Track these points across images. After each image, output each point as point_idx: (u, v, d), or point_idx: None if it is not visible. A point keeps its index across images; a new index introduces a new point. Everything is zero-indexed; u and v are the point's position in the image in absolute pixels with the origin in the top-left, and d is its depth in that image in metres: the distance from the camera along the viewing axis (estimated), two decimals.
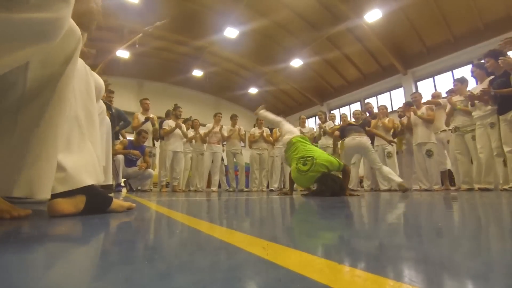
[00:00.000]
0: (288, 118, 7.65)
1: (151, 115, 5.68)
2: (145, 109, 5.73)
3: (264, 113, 4.77)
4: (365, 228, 0.81)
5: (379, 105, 6.20)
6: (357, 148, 4.14)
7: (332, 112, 11.19)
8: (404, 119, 5.20)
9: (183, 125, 5.92)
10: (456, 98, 4.34)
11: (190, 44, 11.16)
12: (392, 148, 5.02)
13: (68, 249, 0.53)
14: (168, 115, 6.22)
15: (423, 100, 5.08)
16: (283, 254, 0.43)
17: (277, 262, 0.38)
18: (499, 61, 3.34)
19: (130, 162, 5.00)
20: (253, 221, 1.00)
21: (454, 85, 4.44)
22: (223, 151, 6.50)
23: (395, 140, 5.26)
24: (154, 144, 5.93)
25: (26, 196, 0.72)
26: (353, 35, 10.07)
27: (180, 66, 12.82)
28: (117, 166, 4.62)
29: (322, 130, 6.17)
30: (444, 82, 9.65)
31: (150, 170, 5.32)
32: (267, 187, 6.55)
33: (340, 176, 2.99)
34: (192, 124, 6.44)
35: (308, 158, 2.95)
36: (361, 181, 6.45)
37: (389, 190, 4.73)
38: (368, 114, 5.90)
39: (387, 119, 5.22)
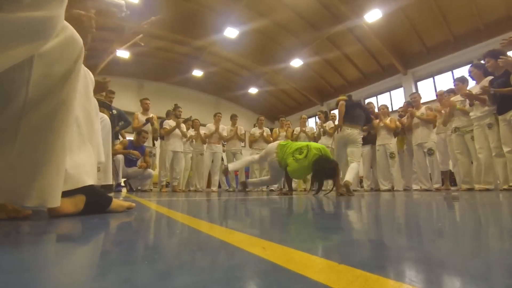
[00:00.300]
0: (288, 118, 7.65)
1: (151, 115, 5.68)
2: (145, 109, 5.73)
3: (235, 166, 4.73)
4: (365, 228, 0.81)
5: (379, 105, 6.20)
6: (345, 140, 4.05)
7: (332, 112, 11.19)
8: (404, 119, 5.20)
9: (183, 125, 5.92)
10: (456, 98, 4.34)
11: (190, 44, 11.17)
12: (394, 149, 5.01)
13: (68, 249, 0.53)
14: (168, 115, 6.22)
15: (421, 101, 5.10)
16: (283, 254, 0.43)
17: (277, 262, 0.38)
18: (499, 60, 3.34)
19: (130, 162, 5.00)
20: (253, 221, 1.00)
21: (454, 85, 4.44)
22: (223, 151, 6.50)
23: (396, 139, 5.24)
24: (154, 144, 5.93)
25: (38, 205, 0.73)
26: (353, 35, 10.07)
27: (180, 66, 12.82)
28: (117, 166, 4.62)
29: (322, 130, 6.16)
30: (444, 82, 9.66)
31: (150, 170, 5.32)
32: (267, 187, 6.55)
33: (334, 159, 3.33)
34: (193, 124, 6.44)
35: (303, 147, 3.25)
36: (361, 181, 6.45)
37: (389, 190, 4.73)
38: None
39: (389, 118, 5.21)
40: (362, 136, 4.01)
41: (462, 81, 4.31)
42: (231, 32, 10.10)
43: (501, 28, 7.70)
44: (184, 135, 5.86)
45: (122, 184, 5.15)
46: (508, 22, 7.74)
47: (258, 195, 3.33)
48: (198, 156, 6.28)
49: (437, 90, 9.77)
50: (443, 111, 4.71)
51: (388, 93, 11.86)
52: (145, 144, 5.33)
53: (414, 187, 4.99)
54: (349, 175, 3.46)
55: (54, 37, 0.68)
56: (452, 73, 9.59)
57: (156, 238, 0.66)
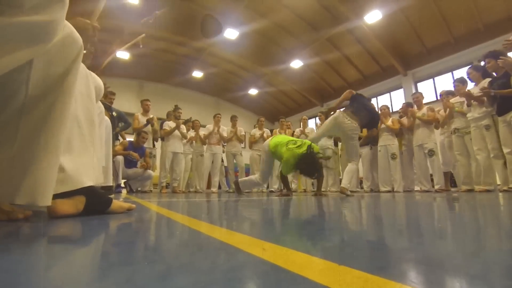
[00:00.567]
0: (288, 119, 7.65)
1: (151, 116, 5.69)
2: (146, 110, 5.73)
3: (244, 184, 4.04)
4: (365, 229, 0.81)
5: (379, 106, 6.19)
6: (338, 129, 3.60)
7: (332, 113, 11.19)
8: (404, 120, 5.20)
9: (183, 126, 5.93)
10: (455, 100, 4.35)
11: (190, 45, 11.19)
12: (396, 150, 5.00)
13: (68, 250, 0.53)
14: (169, 116, 6.24)
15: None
16: (283, 255, 0.43)
17: (277, 263, 0.38)
18: (499, 61, 3.35)
19: (130, 163, 5.00)
20: (253, 222, 1.00)
21: (454, 86, 4.44)
22: (223, 152, 6.51)
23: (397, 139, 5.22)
24: (154, 145, 5.93)
25: (28, 203, 0.72)
26: (353, 36, 10.08)
27: (180, 67, 12.84)
28: (117, 167, 4.62)
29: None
30: (444, 83, 9.67)
31: (150, 171, 5.32)
32: (267, 188, 6.55)
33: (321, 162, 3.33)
34: (193, 125, 6.45)
35: (297, 140, 3.42)
36: (360, 182, 6.45)
37: (389, 192, 4.73)
38: None
39: (390, 119, 5.21)
40: (357, 134, 3.55)
41: (462, 82, 4.32)
42: (231, 33, 10.12)
43: (501, 29, 7.71)
44: (184, 136, 5.86)
45: (122, 185, 5.15)
46: (508, 23, 7.75)
47: (258, 196, 3.32)
48: (198, 157, 6.28)
49: (437, 91, 9.82)
50: (441, 112, 4.71)
51: (388, 94, 11.87)
52: (145, 145, 5.33)
53: (415, 188, 4.99)
54: (345, 180, 3.34)
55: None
56: (452, 74, 9.60)
57: (156, 239, 0.66)
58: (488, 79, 3.78)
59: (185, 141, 6.04)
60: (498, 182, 3.76)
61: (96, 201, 1.04)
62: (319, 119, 6.54)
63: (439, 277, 0.33)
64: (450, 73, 9.70)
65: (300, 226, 0.89)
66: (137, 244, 0.58)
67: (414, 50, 10.14)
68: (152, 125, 5.64)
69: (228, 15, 9.41)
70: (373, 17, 8.77)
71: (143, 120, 5.55)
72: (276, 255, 0.43)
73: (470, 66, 4.27)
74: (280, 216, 1.21)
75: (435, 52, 9.69)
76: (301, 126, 6.52)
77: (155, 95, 12.23)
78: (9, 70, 0.59)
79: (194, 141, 6.32)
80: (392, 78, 11.20)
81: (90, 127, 1.11)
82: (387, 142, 5.06)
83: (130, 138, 5.56)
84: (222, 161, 6.70)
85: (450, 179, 5.15)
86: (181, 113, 5.93)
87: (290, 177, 6.31)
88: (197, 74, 13.19)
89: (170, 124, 5.73)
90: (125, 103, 10.68)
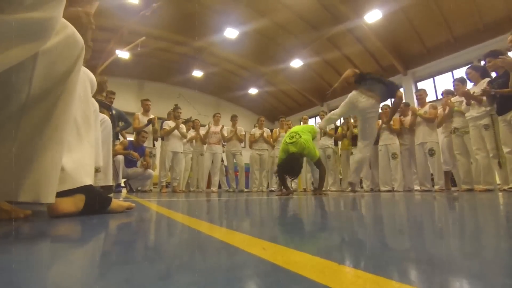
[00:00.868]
0: (288, 118, 7.64)
1: (152, 116, 5.70)
2: (146, 110, 5.74)
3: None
4: (365, 229, 0.81)
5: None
6: (354, 109, 3.46)
7: None
8: (403, 118, 5.19)
9: (183, 126, 5.93)
10: (455, 99, 4.34)
11: (190, 45, 11.17)
12: (397, 149, 4.99)
13: (68, 250, 0.53)
14: (169, 116, 6.25)
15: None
16: (283, 255, 0.43)
17: (277, 262, 0.38)
18: (498, 59, 3.34)
19: (130, 162, 5.00)
20: (253, 221, 1.00)
21: (454, 85, 4.44)
22: (223, 151, 6.51)
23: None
24: (154, 145, 5.94)
25: (32, 201, 0.72)
26: (353, 36, 10.07)
27: (180, 66, 12.83)
28: (117, 167, 4.62)
29: (322, 130, 6.16)
30: (444, 83, 9.66)
31: (150, 170, 5.32)
32: (267, 187, 6.55)
33: (301, 167, 3.38)
34: (193, 124, 6.45)
35: (295, 135, 3.45)
36: (360, 182, 6.45)
37: (389, 191, 4.73)
38: None
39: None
40: (376, 113, 3.19)
41: (461, 81, 4.31)
42: (231, 33, 10.11)
43: (501, 28, 7.69)
44: (183, 135, 5.86)
45: (122, 184, 5.16)
46: (508, 23, 7.74)
47: (258, 196, 3.33)
48: (199, 156, 6.29)
49: (437, 90, 9.81)
50: (440, 111, 4.70)
51: None
52: (145, 144, 5.34)
53: (415, 187, 4.98)
54: (353, 174, 3.22)
55: (54, 35, 0.68)
56: (452, 73, 9.59)
57: (156, 239, 0.66)
58: (487, 79, 3.78)
59: (185, 140, 6.04)
60: (498, 182, 3.76)
61: (95, 200, 1.05)
62: (320, 118, 6.55)
63: (439, 276, 0.33)
64: (450, 73, 9.69)
65: (300, 225, 0.89)
66: (137, 244, 0.58)
67: (414, 50, 10.13)
68: (153, 125, 5.65)
69: (228, 14, 9.40)
70: (373, 16, 8.76)
71: (143, 119, 5.55)
72: (276, 254, 0.43)
73: (469, 66, 4.27)
74: (280, 215, 1.21)
75: (435, 51, 9.68)
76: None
77: (155, 94, 12.22)
78: (12, 68, 0.59)
79: (194, 141, 6.33)
80: (392, 78, 11.15)
81: (88, 128, 1.13)
82: (388, 142, 5.06)
83: (130, 137, 5.56)
84: (222, 160, 6.70)
85: (450, 179, 5.14)
86: (180, 112, 5.93)
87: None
88: (197, 73, 13.18)
89: (169, 124, 5.73)
90: (125, 103, 10.67)
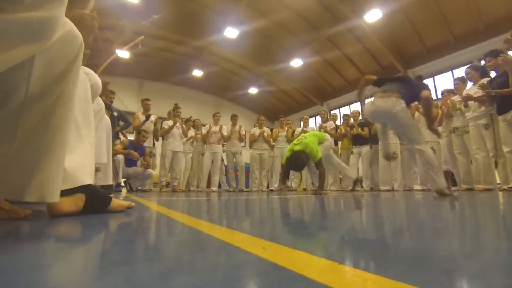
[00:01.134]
0: (288, 118, 7.65)
1: (152, 115, 5.71)
2: (146, 110, 5.75)
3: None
4: (365, 228, 0.81)
5: None
6: (378, 116, 2.85)
7: (333, 112, 11.20)
8: None
9: (179, 120, 5.92)
10: (456, 98, 4.34)
11: (190, 44, 11.16)
12: (397, 149, 4.99)
13: (68, 249, 0.53)
14: (169, 115, 6.25)
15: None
16: (283, 254, 0.43)
17: (277, 262, 0.38)
18: (498, 58, 3.34)
19: (130, 162, 5.00)
20: (253, 221, 1.00)
21: (454, 85, 4.43)
22: (223, 151, 6.51)
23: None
24: (154, 144, 5.94)
25: (38, 200, 0.72)
26: (353, 35, 10.06)
27: (180, 66, 12.81)
28: (117, 166, 4.62)
29: (323, 130, 6.16)
30: (444, 82, 9.65)
31: (150, 170, 5.33)
32: (267, 187, 6.56)
33: (304, 162, 3.67)
34: (194, 124, 6.44)
35: (302, 138, 3.78)
36: (360, 181, 6.45)
37: (389, 191, 4.73)
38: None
39: None
40: (404, 111, 2.61)
41: (462, 81, 4.31)
42: (231, 32, 10.09)
43: (501, 28, 7.68)
44: (184, 133, 5.87)
45: (122, 184, 5.16)
46: (508, 22, 7.73)
47: (258, 195, 3.33)
48: (199, 156, 6.29)
49: (437, 90, 9.80)
50: (440, 111, 4.69)
51: None
52: (146, 144, 5.34)
53: (416, 187, 4.98)
54: (439, 178, 2.53)
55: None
56: (452, 73, 9.58)
57: (156, 238, 0.66)
58: (487, 79, 3.77)
59: (185, 139, 6.04)
60: (498, 181, 3.76)
61: (95, 199, 1.05)
62: (321, 117, 6.56)
63: (439, 276, 0.33)
64: (450, 72, 9.68)
65: (300, 225, 0.89)
66: (137, 243, 0.58)
67: (414, 49, 10.12)
68: (154, 124, 5.66)
69: (228, 14, 9.39)
70: (373, 16, 8.75)
71: (143, 119, 5.57)
72: (276, 254, 0.43)
73: (469, 65, 4.26)
74: (280, 215, 1.21)
75: (435, 51, 9.67)
76: (302, 125, 6.51)
77: (155, 94, 12.19)
78: (11, 67, 0.59)
79: (195, 141, 6.33)
80: None
81: (88, 128, 1.13)
82: (389, 141, 5.05)
83: (131, 137, 5.57)
84: (222, 160, 6.70)
85: (451, 178, 5.14)
86: (180, 112, 5.93)
87: (290, 175, 6.36)
88: (197, 73, 13.16)
89: (169, 123, 5.74)
90: (125, 102, 10.66)
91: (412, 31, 9.36)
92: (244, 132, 6.53)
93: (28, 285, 0.31)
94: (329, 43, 10.66)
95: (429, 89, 2.79)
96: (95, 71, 1.36)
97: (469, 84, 4.18)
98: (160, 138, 5.99)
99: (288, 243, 0.55)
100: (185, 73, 13.12)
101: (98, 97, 1.59)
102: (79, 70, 0.82)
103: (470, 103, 3.84)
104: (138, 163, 5.15)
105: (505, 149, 3.46)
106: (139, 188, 5.30)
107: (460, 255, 0.46)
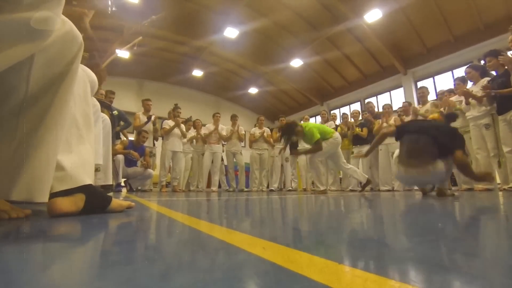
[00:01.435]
0: (288, 117, 7.65)
1: (153, 115, 5.71)
2: (147, 110, 5.74)
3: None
4: (364, 228, 0.81)
5: (379, 105, 6.17)
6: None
7: (333, 112, 11.20)
8: (404, 118, 5.17)
9: (183, 125, 5.94)
10: (455, 98, 4.33)
11: (190, 44, 11.16)
12: (397, 150, 4.98)
13: (68, 249, 0.53)
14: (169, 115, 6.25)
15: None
16: (283, 254, 0.43)
17: (277, 262, 0.38)
18: (499, 58, 3.34)
19: (130, 162, 5.01)
20: (253, 221, 1.00)
21: (454, 85, 4.43)
22: (223, 151, 6.51)
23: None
24: (154, 144, 5.94)
25: (25, 199, 0.72)
26: (353, 35, 10.06)
27: (180, 66, 12.81)
28: (117, 166, 4.62)
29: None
30: (444, 82, 9.65)
31: (150, 170, 5.33)
32: (267, 187, 6.56)
33: (297, 131, 3.82)
34: (194, 124, 6.45)
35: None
36: (360, 181, 6.44)
37: (389, 191, 4.73)
38: (368, 114, 5.89)
39: (393, 118, 5.18)
40: (443, 165, 2.20)
41: (462, 80, 4.30)
42: (231, 32, 10.09)
43: (501, 28, 7.67)
44: (183, 134, 5.87)
45: (122, 184, 5.16)
46: (508, 22, 7.69)
47: (258, 195, 3.33)
48: (199, 156, 6.29)
49: (437, 90, 9.80)
50: (442, 109, 4.68)
51: (388, 93, 11.84)
52: (146, 144, 5.34)
53: (415, 187, 4.97)
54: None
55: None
56: (452, 73, 9.58)
57: (156, 238, 0.66)
58: (487, 78, 3.77)
59: (185, 140, 6.04)
60: (498, 181, 3.76)
61: (95, 199, 1.05)
62: (322, 117, 6.56)
63: (439, 276, 0.33)
64: (450, 72, 9.68)
65: (300, 225, 0.89)
66: (137, 243, 0.58)
67: (414, 49, 10.12)
68: (154, 124, 5.66)
69: (228, 14, 9.39)
70: (373, 16, 8.75)
71: (144, 119, 5.57)
72: (276, 254, 0.43)
73: (468, 65, 4.26)
74: (280, 215, 1.21)
75: (435, 51, 9.67)
76: None
77: (155, 94, 12.19)
78: (10, 66, 0.59)
79: (195, 141, 6.33)
80: (392, 77, 11.17)
81: (88, 128, 1.13)
82: (388, 141, 5.04)
83: (132, 137, 5.57)
84: (222, 160, 6.71)
85: (451, 178, 5.14)
86: (180, 112, 5.93)
87: (290, 175, 6.36)
88: (197, 73, 13.16)
89: (169, 123, 5.74)
90: (125, 102, 10.66)
91: (412, 31, 9.36)
92: (243, 132, 6.53)
93: (28, 285, 0.31)
94: (329, 43, 10.65)
95: (463, 147, 2.27)
96: (95, 71, 1.36)
97: (469, 84, 4.17)
98: (160, 138, 5.99)
99: (288, 243, 0.55)
100: (185, 73, 13.12)
101: (93, 98, 1.58)
102: (78, 69, 0.82)
103: (472, 102, 3.83)
104: (138, 163, 5.15)
105: (505, 149, 3.46)
106: (139, 188, 5.30)
107: (460, 255, 0.46)
